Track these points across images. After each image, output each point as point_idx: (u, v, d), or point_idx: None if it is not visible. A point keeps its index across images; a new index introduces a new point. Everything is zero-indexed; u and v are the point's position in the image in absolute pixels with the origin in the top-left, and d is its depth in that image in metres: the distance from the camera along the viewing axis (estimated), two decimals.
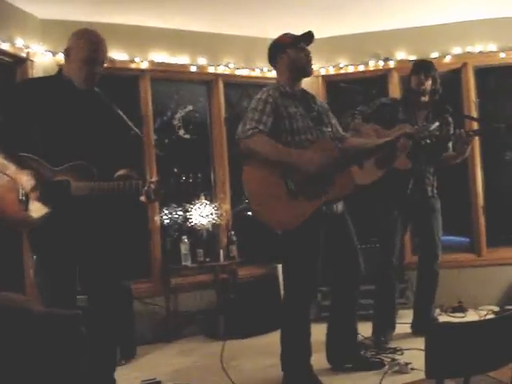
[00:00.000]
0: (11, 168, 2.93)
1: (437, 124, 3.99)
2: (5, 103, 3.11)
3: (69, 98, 3.06)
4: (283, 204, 3.50)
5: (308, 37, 3.75)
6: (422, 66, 4.52)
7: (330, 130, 3.78)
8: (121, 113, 3.10)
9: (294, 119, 3.64)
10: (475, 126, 5.40)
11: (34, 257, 3.11)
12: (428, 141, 3.85)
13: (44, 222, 2.96)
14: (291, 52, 3.74)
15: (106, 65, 3.15)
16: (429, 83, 4.45)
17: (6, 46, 4.66)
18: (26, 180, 2.90)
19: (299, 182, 3.50)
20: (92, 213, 3.04)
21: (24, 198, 2.95)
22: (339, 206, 3.75)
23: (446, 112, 4.48)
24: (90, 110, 3.07)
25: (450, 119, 4.56)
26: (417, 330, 4.65)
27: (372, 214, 4.60)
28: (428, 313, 4.71)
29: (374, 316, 4.59)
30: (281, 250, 3.72)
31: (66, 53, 3.10)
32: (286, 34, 3.82)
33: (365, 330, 4.41)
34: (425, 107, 4.51)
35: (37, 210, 2.95)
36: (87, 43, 3.05)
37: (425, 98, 4.50)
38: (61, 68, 3.25)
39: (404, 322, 4.81)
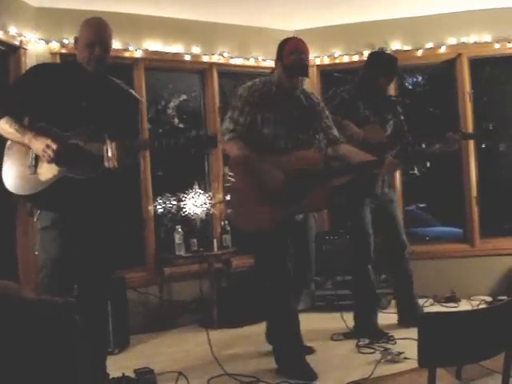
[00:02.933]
0: (28, 135, 3.07)
1: (437, 146, 4.03)
2: (17, 81, 3.46)
3: (77, 77, 3.23)
4: (258, 206, 3.54)
5: (296, 70, 3.64)
6: (393, 67, 4.51)
7: (316, 135, 3.75)
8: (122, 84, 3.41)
9: (267, 124, 3.66)
10: None
11: (36, 215, 3.19)
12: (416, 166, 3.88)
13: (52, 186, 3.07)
14: (279, 66, 3.70)
15: (111, 45, 3.32)
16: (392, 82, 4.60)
17: None
18: (37, 144, 3.03)
19: (275, 187, 3.55)
20: (94, 197, 3.17)
21: (33, 162, 3.10)
22: (299, 216, 3.75)
23: (397, 104, 4.66)
24: (98, 87, 3.24)
25: (400, 110, 4.66)
26: (406, 322, 4.60)
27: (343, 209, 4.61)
28: (414, 303, 4.71)
29: (356, 307, 4.59)
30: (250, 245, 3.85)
31: (75, 40, 3.29)
32: (294, 48, 3.64)
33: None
34: (382, 103, 4.55)
35: (45, 172, 3.09)
36: (88, 28, 3.23)
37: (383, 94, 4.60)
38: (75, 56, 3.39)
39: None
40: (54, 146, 3.01)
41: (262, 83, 3.76)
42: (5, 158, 3.19)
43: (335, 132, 3.86)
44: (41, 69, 3.37)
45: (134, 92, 3.50)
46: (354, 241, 4.58)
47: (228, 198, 3.64)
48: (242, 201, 3.59)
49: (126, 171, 3.33)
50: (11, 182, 3.14)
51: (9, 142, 3.21)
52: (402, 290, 4.75)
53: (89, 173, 3.08)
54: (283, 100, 3.72)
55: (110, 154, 2.97)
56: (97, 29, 3.22)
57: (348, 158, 3.74)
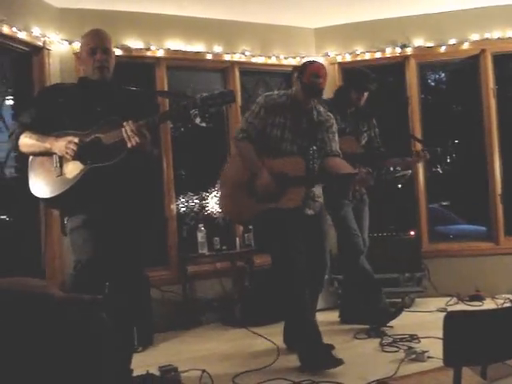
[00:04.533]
0: (49, 139, 3.11)
1: (408, 172, 4.19)
2: (32, 101, 3.46)
3: (88, 88, 3.26)
4: (241, 198, 3.99)
5: (312, 92, 4.00)
6: (366, 82, 4.72)
7: (315, 147, 4.00)
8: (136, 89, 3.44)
9: (276, 128, 4.00)
10: None
11: (66, 218, 3.23)
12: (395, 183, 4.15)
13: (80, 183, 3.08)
14: (297, 81, 4.06)
15: (113, 52, 3.32)
16: (365, 96, 4.75)
17: (22, 35, 4.68)
18: (59, 143, 3.06)
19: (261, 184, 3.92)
20: (122, 194, 3.18)
21: (58, 164, 3.12)
22: (309, 211, 4.04)
23: (372, 117, 4.90)
24: (109, 93, 3.24)
25: (375, 122, 4.93)
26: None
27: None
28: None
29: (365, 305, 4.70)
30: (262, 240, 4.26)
31: (78, 55, 3.36)
32: (315, 72, 3.98)
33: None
34: (356, 115, 4.80)
35: (71, 171, 3.10)
36: (87, 37, 3.30)
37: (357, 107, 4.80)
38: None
39: (420, 310, 4.80)
40: (76, 140, 3.03)
41: (278, 95, 4.13)
42: (30, 174, 3.21)
43: (334, 147, 4.11)
44: (53, 87, 3.47)
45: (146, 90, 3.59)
46: (341, 237, 4.75)
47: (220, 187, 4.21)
48: (233, 191, 4.05)
49: (151, 159, 3.30)
50: (41, 190, 3.15)
51: (30, 159, 3.22)
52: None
53: (114, 157, 3.05)
54: (295, 111, 4.04)
55: (129, 132, 2.98)
56: (96, 35, 3.27)
57: (331, 169, 4.01)
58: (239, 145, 4.08)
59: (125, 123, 3.00)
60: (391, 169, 4.12)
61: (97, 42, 3.22)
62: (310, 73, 3.98)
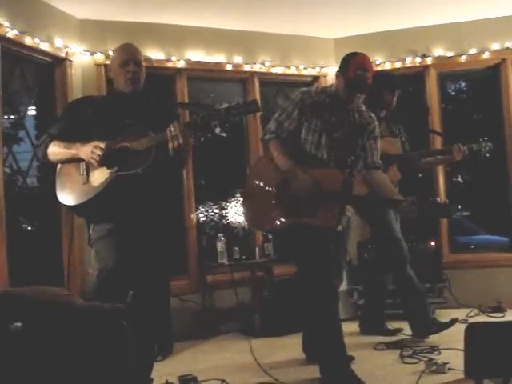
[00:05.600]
0: (76, 144, 3.12)
1: (446, 201, 3.81)
2: (61, 114, 3.48)
3: (117, 100, 3.30)
4: (265, 205, 3.68)
5: (357, 85, 3.61)
6: (396, 83, 4.65)
7: (353, 157, 3.65)
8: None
9: (313, 132, 3.65)
10: None
11: (91, 227, 3.23)
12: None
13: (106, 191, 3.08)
14: (340, 79, 3.68)
15: (143, 65, 3.32)
16: (395, 99, 4.64)
17: (45, 46, 4.74)
18: (85, 149, 3.07)
19: (290, 194, 3.59)
20: (147, 204, 3.16)
21: (84, 172, 3.14)
22: (340, 227, 3.77)
23: (401, 124, 4.81)
24: (138, 104, 3.26)
25: (402, 131, 4.82)
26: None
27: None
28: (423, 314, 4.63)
29: (410, 315, 4.58)
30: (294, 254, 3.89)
31: (109, 69, 3.37)
32: (360, 64, 3.61)
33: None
34: (386, 117, 4.68)
35: (97, 178, 3.11)
36: (120, 50, 3.32)
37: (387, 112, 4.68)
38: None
39: (441, 321, 4.75)
40: (102, 145, 3.04)
41: (316, 92, 3.76)
42: (57, 182, 3.23)
43: (375, 157, 3.79)
44: (82, 100, 3.50)
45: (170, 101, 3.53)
46: (385, 244, 4.62)
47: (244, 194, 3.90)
48: (258, 199, 3.74)
49: (182, 166, 3.35)
50: (68, 198, 3.17)
51: (58, 167, 3.25)
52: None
53: (141, 164, 3.05)
54: (335, 112, 3.69)
55: (173, 132, 2.97)
56: (128, 48, 3.31)
57: (372, 187, 3.71)
58: (269, 146, 3.73)
59: (171, 125, 2.99)
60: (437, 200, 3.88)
61: (129, 55, 3.26)
62: (355, 65, 3.56)
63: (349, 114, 3.72)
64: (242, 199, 4.01)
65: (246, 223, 4.53)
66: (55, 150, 3.19)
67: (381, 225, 4.59)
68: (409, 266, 4.53)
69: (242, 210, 4.23)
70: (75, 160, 3.16)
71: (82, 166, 3.15)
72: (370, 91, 4.35)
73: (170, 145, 3.00)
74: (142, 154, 3.07)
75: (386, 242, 4.60)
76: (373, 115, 3.85)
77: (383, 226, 4.57)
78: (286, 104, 3.78)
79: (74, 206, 3.19)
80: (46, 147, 3.21)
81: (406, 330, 4.64)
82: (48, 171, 3.33)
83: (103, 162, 3.06)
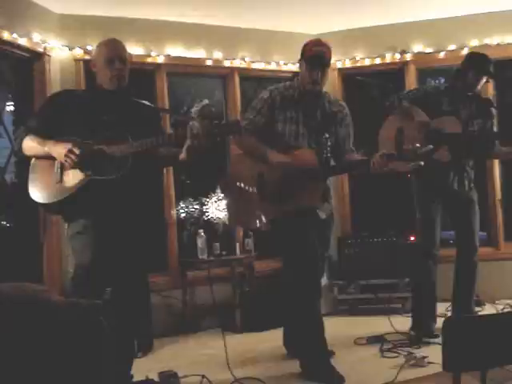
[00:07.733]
0: (48, 143, 3.09)
1: (430, 147, 3.60)
2: (41, 106, 3.43)
3: (98, 96, 3.27)
4: (249, 203, 3.77)
5: (315, 60, 3.72)
6: (485, 64, 4.38)
7: (327, 134, 3.71)
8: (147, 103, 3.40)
9: (289, 124, 3.77)
10: None
11: (66, 224, 3.24)
12: (413, 163, 3.49)
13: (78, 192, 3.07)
14: (302, 65, 3.81)
15: (128, 63, 3.30)
16: (483, 80, 4.42)
17: (23, 41, 4.69)
18: (58, 149, 3.05)
19: (270, 183, 3.70)
20: (122, 200, 3.15)
21: (59, 170, 3.11)
22: (323, 215, 3.82)
23: (490, 106, 4.56)
24: (118, 103, 3.24)
25: (494, 112, 4.58)
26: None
27: (411, 204, 4.58)
28: (468, 306, 4.61)
29: (414, 310, 4.58)
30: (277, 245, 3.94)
31: (93, 64, 3.32)
32: (315, 42, 3.79)
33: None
34: (470, 101, 4.45)
35: (70, 179, 3.10)
36: (104, 46, 3.27)
37: (473, 93, 4.46)
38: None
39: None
40: (77, 151, 3.01)
41: (284, 87, 3.88)
42: (30, 177, 3.20)
43: (348, 144, 3.89)
44: (63, 93, 3.48)
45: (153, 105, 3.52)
46: (419, 234, 4.59)
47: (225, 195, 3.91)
48: (241, 197, 3.81)
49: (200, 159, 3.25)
50: (39, 194, 3.15)
51: (32, 161, 3.22)
52: (462, 292, 4.63)
53: (117, 172, 3.05)
54: (306, 104, 3.81)
55: (194, 131, 2.95)
56: (113, 45, 3.27)
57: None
58: (240, 140, 3.83)
59: (192, 122, 2.97)
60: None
61: (114, 52, 3.22)
62: (311, 45, 3.75)
63: (319, 103, 3.83)
64: (225, 201, 3.98)
65: (232, 225, 4.47)
66: (29, 144, 3.16)
67: (422, 211, 4.52)
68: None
69: (226, 211, 4.34)
70: (50, 157, 3.13)
71: (57, 163, 3.12)
72: (456, 69, 4.49)
73: (189, 141, 2.99)
74: (119, 160, 3.06)
75: (421, 228, 4.56)
76: (343, 103, 3.96)
77: (424, 213, 4.51)
78: (254, 102, 3.88)
79: (45, 204, 3.18)
80: (22, 141, 3.18)
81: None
82: (24, 167, 3.28)
83: (78, 164, 3.04)
